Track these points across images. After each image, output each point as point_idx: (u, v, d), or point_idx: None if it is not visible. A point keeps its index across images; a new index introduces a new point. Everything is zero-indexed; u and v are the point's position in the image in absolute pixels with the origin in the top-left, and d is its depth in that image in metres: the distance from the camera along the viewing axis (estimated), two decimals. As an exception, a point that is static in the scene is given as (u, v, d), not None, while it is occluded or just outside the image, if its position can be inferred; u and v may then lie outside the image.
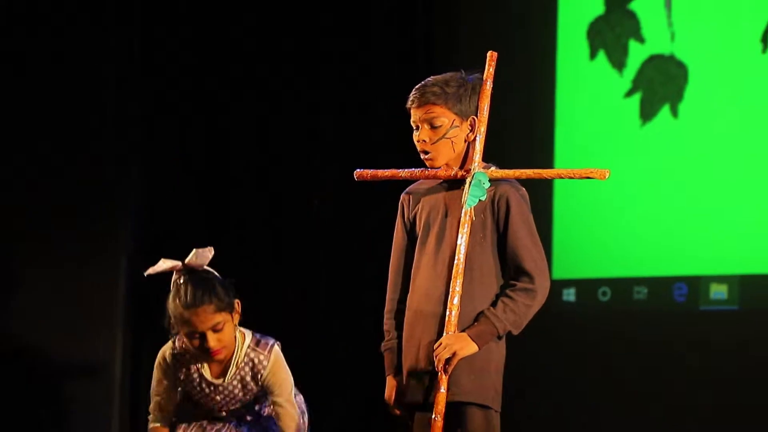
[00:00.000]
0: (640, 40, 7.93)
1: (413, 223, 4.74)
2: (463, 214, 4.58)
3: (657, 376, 7.67)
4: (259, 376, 4.91)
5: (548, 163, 7.88)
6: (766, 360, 7.41)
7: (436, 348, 4.51)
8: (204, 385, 4.93)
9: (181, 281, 4.80)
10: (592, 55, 8.06)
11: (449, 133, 4.61)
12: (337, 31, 8.58)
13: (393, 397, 4.72)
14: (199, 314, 4.76)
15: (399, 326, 4.71)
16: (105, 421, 7.94)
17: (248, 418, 5.06)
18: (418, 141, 4.64)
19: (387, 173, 4.81)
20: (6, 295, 8.15)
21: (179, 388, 4.97)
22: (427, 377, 4.57)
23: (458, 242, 4.57)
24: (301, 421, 4.97)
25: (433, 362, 4.52)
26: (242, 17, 8.61)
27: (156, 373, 5.02)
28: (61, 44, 8.27)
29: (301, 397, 5.08)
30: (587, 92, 8.07)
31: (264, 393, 4.96)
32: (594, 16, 8.08)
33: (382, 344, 4.77)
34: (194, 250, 4.82)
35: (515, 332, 4.59)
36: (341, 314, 8.27)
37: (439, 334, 4.54)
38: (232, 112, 8.60)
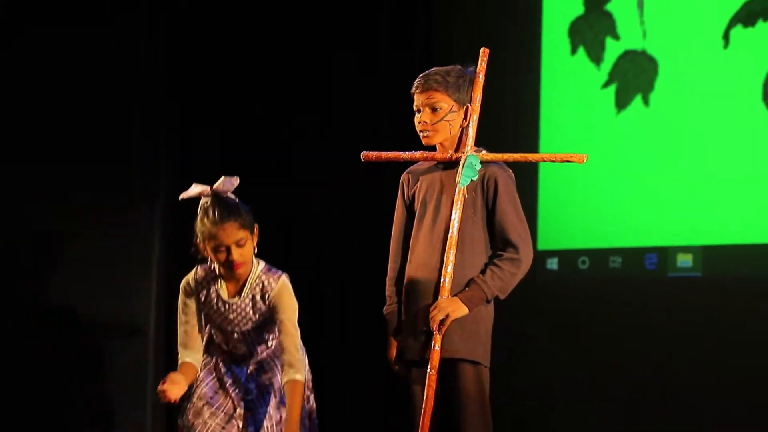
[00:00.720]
0: (616, 37, 7.92)
1: (412, 200, 4.80)
2: (456, 193, 4.63)
3: (630, 336, 7.67)
4: (267, 296, 4.92)
5: (534, 147, 7.87)
6: (727, 320, 7.42)
7: (432, 311, 4.57)
8: (220, 304, 4.95)
9: (209, 203, 4.86)
10: (573, 50, 8.05)
11: (447, 116, 4.67)
12: (344, 38, 8.55)
13: (394, 355, 4.77)
14: (226, 229, 4.81)
15: (399, 292, 4.77)
16: (142, 375, 7.96)
17: (260, 350, 5.05)
18: (419, 122, 4.70)
19: (390, 155, 4.87)
20: (54, 262, 8.14)
21: (203, 313, 4.98)
22: (423, 337, 4.62)
23: (452, 217, 4.62)
24: (302, 353, 4.95)
25: (429, 323, 4.57)
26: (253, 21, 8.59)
27: (181, 298, 5.05)
28: (95, 47, 8.26)
29: (304, 351, 5.05)
30: (568, 84, 8.07)
31: (271, 318, 4.94)
32: (574, 16, 8.07)
33: (384, 308, 4.83)
34: (222, 177, 4.89)
35: (502, 297, 4.65)
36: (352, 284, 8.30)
37: (435, 299, 4.59)
38: (248, 105, 8.57)
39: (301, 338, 4.94)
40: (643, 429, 7.62)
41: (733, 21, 7.56)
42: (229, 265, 4.85)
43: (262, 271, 4.96)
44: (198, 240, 4.92)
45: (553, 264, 7.99)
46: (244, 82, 8.57)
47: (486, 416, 4.63)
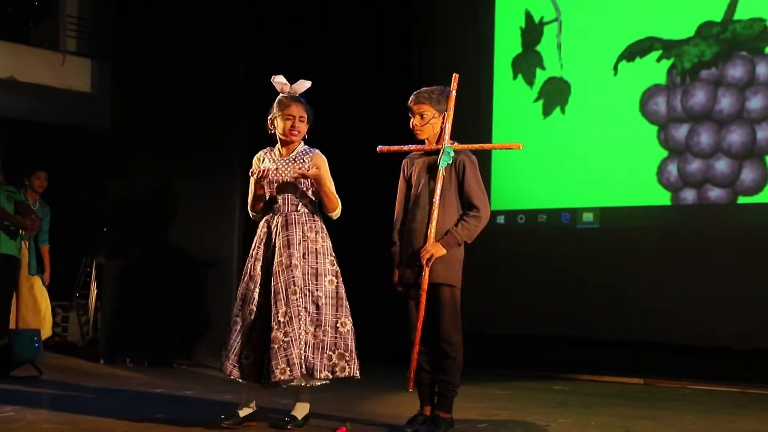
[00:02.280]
0: (543, 68, 7.84)
1: (409, 177, 4.75)
2: (438, 172, 4.58)
3: (552, 269, 7.67)
4: (307, 158, 4.79)
5: (489, 140, 7.77)
6: (615, 256, 7.43)
7: (422, 251, 4.52)
8: (273, 163, 4.77)
9: (287, 94, 4.81)
10: (514, 77, 7.98)
11: (431, 121, 4.62)
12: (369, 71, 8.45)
13: (397, 280, 4.68)
14: (298, 104, 4.78)
15: (401, 238, 4.69)
16: (226, 298, 7.78)
17: (290, 208, 4.75)
18: (412, 125, 4.65)
19: (396, 148, 4.81)
20: (166, 210, 8.05)
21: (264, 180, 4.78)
22: (417, 268, 4.56)
23: (436, 189, 4.56)
24: (339, 202, 4.80)
25: (421, 259, 4.52)
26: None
27: (255, 167, 4.85)
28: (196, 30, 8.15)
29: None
30: (512, 98, 7.99)
31: (304, 178, 4.75)
32: (515, 53, 7.99)
33: (392, 248, 4.75)
34: (300, 80, 4.83)
35: (469, 241, 4.61)
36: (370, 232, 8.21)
37: (424, 243, 4.54)
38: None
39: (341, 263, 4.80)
40: (554, 325, 7.62)
41: (620, 58, 7.51)
42: (290, 131, 4.76)
43: (304, 147, 4.85)
44: (271, 117, 4.81)
45: (500, 219, 7.92)
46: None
47: (458, 322, 4.55)
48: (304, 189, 4.78)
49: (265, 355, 4.60)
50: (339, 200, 4.79)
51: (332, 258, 4.77)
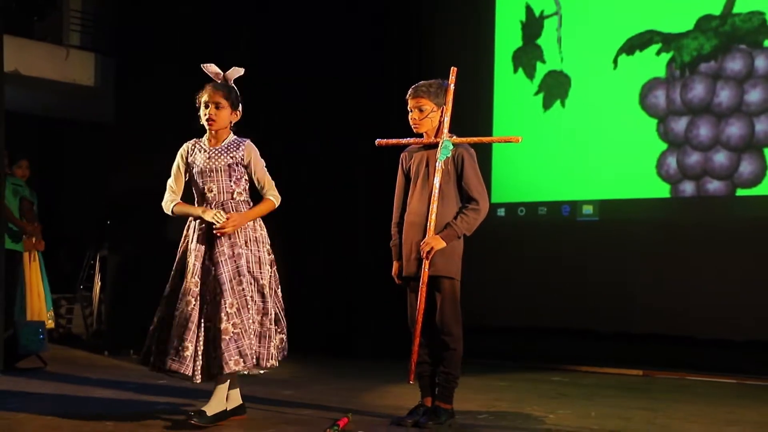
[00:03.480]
0: (543, 61, 7.83)
1: (408, 170, 4.74)
2: (437, 165, 4.57)
3: (552, 261, 7.65)
4: (241, 148, 4.68)
5: (489, 133, 7.78)
6: (613, 248, 7.44)
7: (422, 245, 4.52)
8: (204, 151, 4.68)
9: (220, 81, 4.69)
10: (515, 70, 7.97)
11: (430, 115, 4.61)
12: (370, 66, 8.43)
13: (396, 273, 4.71)
14: (216, 91, 4.63)
15: (400, 231, 4.70)
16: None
17: (225, 196, 4.64)
18: (411, 118, 4.64)
19: (394, 141, 4.81)
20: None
21: (190, 163, 4.70)
22: (417, 261, 4.56)
23: (434, 182, 4.56)
24: (276, 199, 4.73)
25: (420, 252, 4.51)
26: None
27: (177, 158, 4.78)
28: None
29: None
30: (512, 92, 7.97)
31: (239, 166, 4.66)
32: (516, 47, 7.98)
33: (391, 242, 4.77)
34: (233, 67, 4.72)
35: (468, 234, 4.60)
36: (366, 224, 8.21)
37: (423, 236, 4.54)
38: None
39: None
40: (554, 316, 7.60)
41: (620, 51, 7.49)
42: (207, 119, 4.64)
43: (234, 137, 4.72)
44: (198, 104, 4.68)
45: (501, 212, 7.92)
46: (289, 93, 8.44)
47: (458, 314, 4.55)
48: (238, 176, 4.68)
49: (209, 348, 4.49)
50: (274, 188, 4.74)
51: (269, 246, 4.71)
